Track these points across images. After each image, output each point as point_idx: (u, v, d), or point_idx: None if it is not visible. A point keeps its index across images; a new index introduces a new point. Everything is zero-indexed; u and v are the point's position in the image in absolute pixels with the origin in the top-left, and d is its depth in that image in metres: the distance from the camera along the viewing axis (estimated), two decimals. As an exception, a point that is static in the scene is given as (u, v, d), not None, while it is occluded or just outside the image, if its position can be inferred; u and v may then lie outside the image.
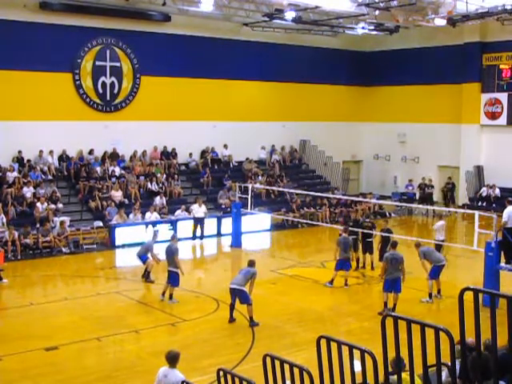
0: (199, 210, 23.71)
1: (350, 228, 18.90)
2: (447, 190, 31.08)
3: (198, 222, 23.57)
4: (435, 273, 15.44)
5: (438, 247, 18.11)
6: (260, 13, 27.98)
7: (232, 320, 13.76)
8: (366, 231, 18.88)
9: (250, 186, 23.43)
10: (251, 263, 13.99)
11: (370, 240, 18.96)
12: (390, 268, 14.34)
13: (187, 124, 28.99)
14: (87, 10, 25.77)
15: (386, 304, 14.33)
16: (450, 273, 19.20)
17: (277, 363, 6.14)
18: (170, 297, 15.25)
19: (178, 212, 23.96)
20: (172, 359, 7.49)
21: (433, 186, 30.87)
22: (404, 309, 14.02)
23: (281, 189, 27.40)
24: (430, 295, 15.37)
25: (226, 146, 30.30)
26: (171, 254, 15.20)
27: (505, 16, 27.19)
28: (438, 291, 15.61)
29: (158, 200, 24.89)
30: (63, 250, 21.11)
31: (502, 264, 14.98)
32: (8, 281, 17.37)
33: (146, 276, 17.41)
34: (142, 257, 17.50)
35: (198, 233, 23.58)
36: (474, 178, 31.68)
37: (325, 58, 33.64)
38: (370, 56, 35.28)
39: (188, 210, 24.20)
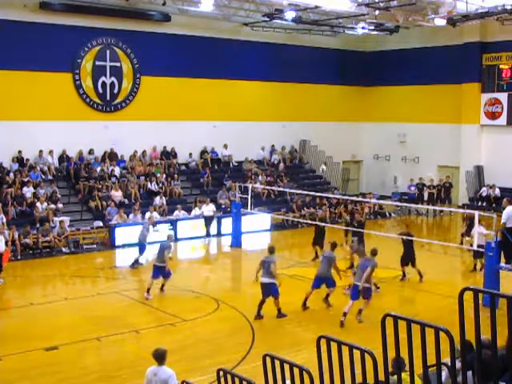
0: (207, 208, 24.05)
1: (355, 229, 18.87)
2: (441, 188, 30.81)
3: (208, 220, 23.96)
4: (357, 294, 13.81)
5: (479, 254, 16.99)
6: (260, 13, 27.98)
7: (259, 317, 13.88)
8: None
9: (249, 186, 23.43)
10: (270, 250, 14.19)
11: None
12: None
13: (187, 124, 29.00)
14: (87, 9, 25.78)
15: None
16: (450, 273, 19.25)
17: (277, 363, 6.14)
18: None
19: (176, 213, 24.00)
20: (160, 357, 7.45)
21: (434, 187, 30.82)
22: (404, 309, 14.01)
23: (281, 189, 27.41)
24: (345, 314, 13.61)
25: (225, 146, 30.29)
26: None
27: (505, 16, 27.19)
28: (359, 311, 13.83)
29: (157, 200, 24.91)
30: (63, 249, 21.11)
31: (502, 264, 14.98)
32: (3, 281, 17.23)
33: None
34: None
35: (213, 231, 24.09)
36: (474, 178, 31.68)
37: (325, 58, 33.66)
38: (370, 56, 35.28)
39: (187, 210, 24.47)
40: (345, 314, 13.51)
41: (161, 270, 15.75)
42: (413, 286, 17.01)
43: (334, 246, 15.26)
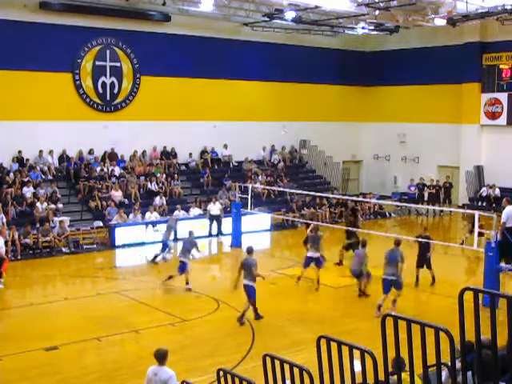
0: (214, 207, 24.14)
1: (352, 228, 18.87)
2: (439, 188, 30.72)
3: (214, 219, 24.04)
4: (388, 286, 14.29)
5: None
6: (260, 13, 27.98)
7: (258, 317, 13.83)
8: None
9: (249, 186, 23.43)
10: (248, 250, 14.26)
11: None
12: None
13: (187, 124, 28.99)
14: (87, 9, 25.78)
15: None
16: (450, 273, 19.23)
17: (277, 363, 6.14)
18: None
19: (176, 213, 24.00)
20: (161, 357, 7.47)
21: (434, 187, 30.78)
22: (404, 309, 14.01)
23: (281, 189, 27.41)
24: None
25: (225, 146, 30.29)
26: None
27: (505, 16, 27.19)
28: (393, 301, 14.41)
29: (157, 200, 24.91)
30: (63, 249, 21.10)
31: (502, 264, 14.98)
32: (3, 280, 17.13)
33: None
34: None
35: (214, 231, 24.09)
36: (474, 178, 31.68)
37: (325, 58, 33.65)
38: (370, 56, 35.29)
39: (186, 210, 24.50)
40: (379, 308, 13.85)
41: (186, 266, 16.28)
42: (413, 286, 16.98)
43: (363, 244, 15.98)
